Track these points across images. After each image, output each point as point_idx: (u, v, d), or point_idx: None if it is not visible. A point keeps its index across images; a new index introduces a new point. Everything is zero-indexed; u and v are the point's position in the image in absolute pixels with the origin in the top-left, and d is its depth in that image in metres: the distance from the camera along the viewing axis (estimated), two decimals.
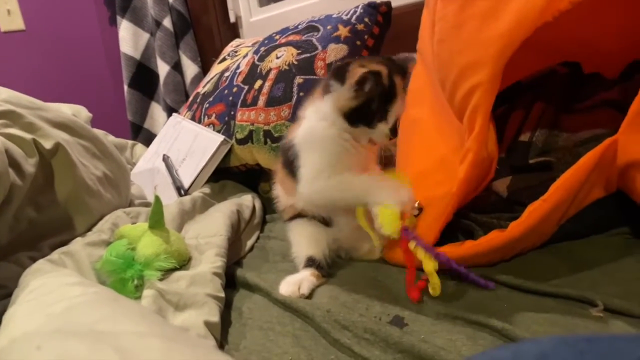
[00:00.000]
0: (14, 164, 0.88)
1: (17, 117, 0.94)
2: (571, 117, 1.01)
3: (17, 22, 2.54)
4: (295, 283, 0.85)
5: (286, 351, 0.71)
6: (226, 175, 1.52)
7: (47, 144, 0.97)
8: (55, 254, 0.88)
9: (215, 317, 0.75)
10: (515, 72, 1.13)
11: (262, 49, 1.51)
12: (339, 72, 0.89)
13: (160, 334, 0.47)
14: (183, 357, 0.40)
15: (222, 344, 0.75)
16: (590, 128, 0.95)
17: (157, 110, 2.73)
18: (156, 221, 0.91)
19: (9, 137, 0.90)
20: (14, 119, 0.94)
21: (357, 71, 0.85)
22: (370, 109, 0.88)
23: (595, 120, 0.95)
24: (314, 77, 1.29)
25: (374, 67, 0.85)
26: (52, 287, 0.64)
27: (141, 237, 0.90)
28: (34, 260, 0.88)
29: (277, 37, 1.51)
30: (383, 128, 0.89)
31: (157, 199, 0.92)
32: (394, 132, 0.90)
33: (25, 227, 0.94)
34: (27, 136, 0.94)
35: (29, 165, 0.92)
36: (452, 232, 0.86)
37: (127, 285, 0.81)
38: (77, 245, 0.94)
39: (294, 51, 1.37)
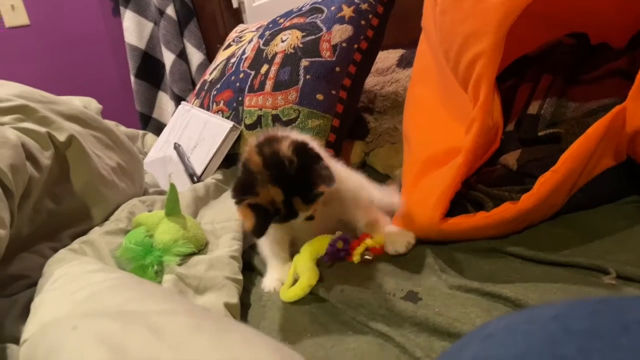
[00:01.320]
0: (30, 157, 0.89)
1: (30, 112, 0.96)
2: (579, 88, 1.01)
3: (21, 17, 2.55)
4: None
5: (305, 328, 0.73)
6: (237, 160, 1.53)
7: (61, 137, 0.98)
8: (76, 244, 0.90)
9: (234, 299, 0.77)
10: (522, 45, 1.12)
11: (267, 33, 1.51)
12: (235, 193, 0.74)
13: (186, 312, 0.48)
14: (211, 330, 0.42)
15: None
16: (599, 98, 0.95)
17: (164, 100, 2.75)
18: (172, 208, 0.93)
19: (24, 131, 0.92)
20: (27, 113, 0.95)
21: (241, 209, 0.72)
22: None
23: (603, 90, 0.95)
24: (320, 59, 1.29)
25: (264, 197, 0.71)
26: (76, 274, 0.65)
27: (158, 225, 0.92)
28: (55, 250, 0.91)
29: (282, 20, 1.51)
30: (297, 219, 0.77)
31: (172, 186, 0.94)
32: (310, 218, 0.79)
33: (45, 219, 0.96)
34: (42, 130, 0.95)
35: (45, 157, 0.94)
36: (461, 203, 0.87)
37: (147, 271, 0.83)
38: (95, 234, 0.96)
39: (299, 34, 1.37)
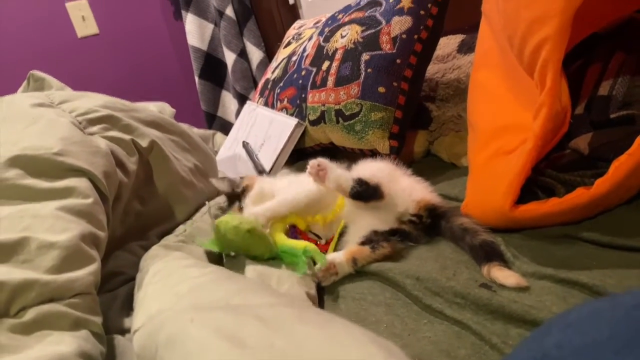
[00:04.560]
0: (119, 163, 0.97)
1: (115, 121, 1.03)
2: None
3: (91, 27, 2.70)
4: None
5: (380, 319, 0.75)
6: (302, 155, 1.58)
7: (144, 143, 1.05)
8: (165, 241, 0.98)
9: (313, 290, 0.81)
10: (590, 24, 1.09)
11: (327, 29, 1.54)
12: None
13: (287, 303, 0.52)
14: (315, 321, 0.45)
15: None
16: None
17: (227, 98, 2.84)
18: None
19: (111, 139, 1.00)
20: (112, 122, 1.03)
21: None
22: None
23: None
24: (380, 52, 1.31)
25: None
26: (172, 269, 0.71)
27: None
28: (144, 248, 0.98)
29: (340, 16, 1.54)
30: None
31: None
32: None
33: (133, 220, 1.04)
34: (126, 137, 1.03)
35: (131, 163, 1.01)
36: (531, 190, 0.86)
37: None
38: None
39: (358, 28, 1.39)
